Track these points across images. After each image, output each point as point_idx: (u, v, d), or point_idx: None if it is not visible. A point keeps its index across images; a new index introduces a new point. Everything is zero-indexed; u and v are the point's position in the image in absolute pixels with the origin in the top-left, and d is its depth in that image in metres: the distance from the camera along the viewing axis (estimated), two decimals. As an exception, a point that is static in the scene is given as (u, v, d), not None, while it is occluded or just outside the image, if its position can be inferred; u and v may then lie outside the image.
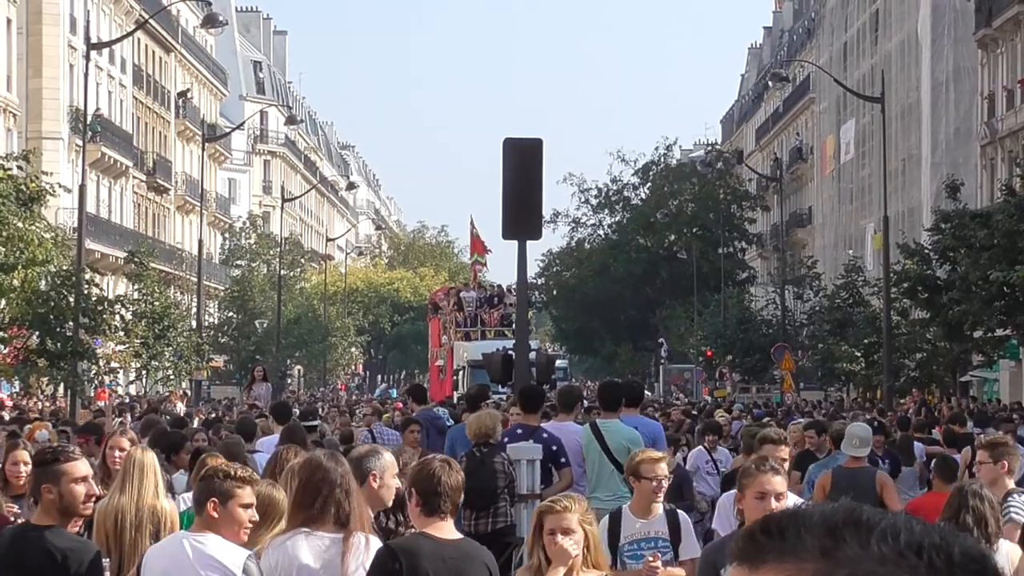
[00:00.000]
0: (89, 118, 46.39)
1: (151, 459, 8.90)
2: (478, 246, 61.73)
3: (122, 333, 45.53)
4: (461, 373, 49.80)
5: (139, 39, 75.18)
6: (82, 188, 38.97)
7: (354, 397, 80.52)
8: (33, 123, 63.44)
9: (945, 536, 1.74)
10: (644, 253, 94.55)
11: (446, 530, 7.33)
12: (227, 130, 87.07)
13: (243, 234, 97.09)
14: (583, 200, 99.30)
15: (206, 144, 72.40)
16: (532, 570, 7.44)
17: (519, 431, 14.63)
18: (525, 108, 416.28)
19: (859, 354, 56.35)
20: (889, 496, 13.54)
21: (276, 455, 9.95)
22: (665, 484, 9.60)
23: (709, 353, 75.66)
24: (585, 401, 26.17)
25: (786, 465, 10.56)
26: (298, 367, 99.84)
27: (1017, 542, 8.88)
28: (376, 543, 7.50)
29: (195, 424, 24.08)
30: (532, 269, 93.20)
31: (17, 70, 62.88)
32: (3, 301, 35.86)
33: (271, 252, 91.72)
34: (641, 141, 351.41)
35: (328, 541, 7.36)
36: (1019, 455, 10.89)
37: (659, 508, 9.68)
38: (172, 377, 57.97)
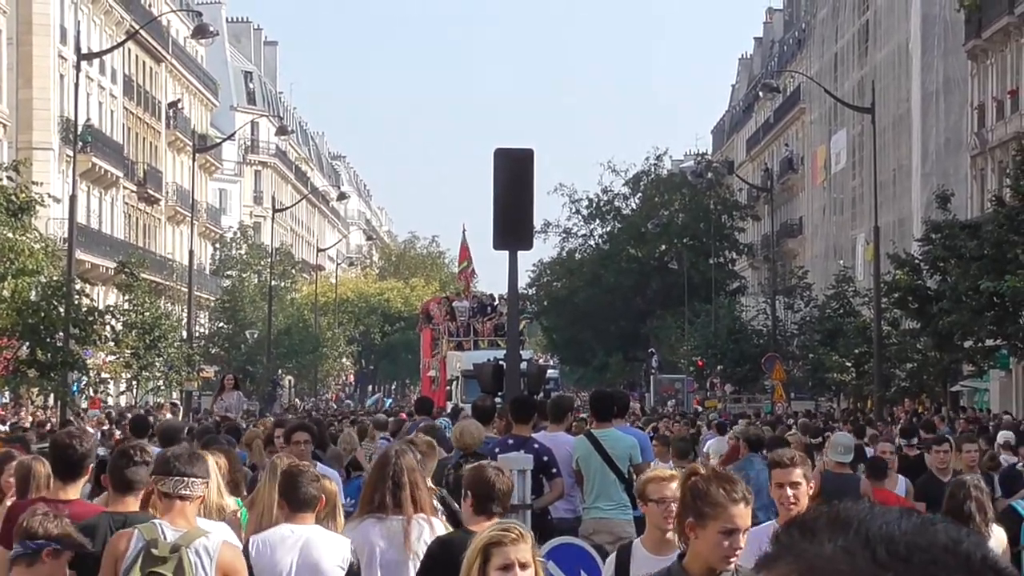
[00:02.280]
0: (79, 128, 46.42)
1: (213, 461, 9.51)
2: (464, 253, 61.89)
3: (112, 344, 45.46)
4: (455, 383, 49.69)
5: (129, 49, 75.18)
6: (72, 198, 38.94)
7: (346, 408, 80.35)
8: (23, 133, 63.41)
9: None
10: (635, 263, 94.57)
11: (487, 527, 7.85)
12: (218, 140, 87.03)
13: (234, 244, 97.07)
14: (574, 210, 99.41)
15: (197, 154, 72.37)
16: None
17: (510, 441, 14.63)
18: (516, 118, 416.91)
19: (850, 364, 56.40)
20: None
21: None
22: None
23: (700, 363, 75.68)
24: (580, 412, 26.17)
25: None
26: (289, 377, 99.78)
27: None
28: (439, 525, 8.93)
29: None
30: (523, 279, 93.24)
31: (7, 81, 62.87)
32: (-7, 312, 35.80)
33: (262, 262, 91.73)
34: (632, 151, 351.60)
35: (395, 523, 8.80)
36: None
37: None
38: (163, 387, 57.95)
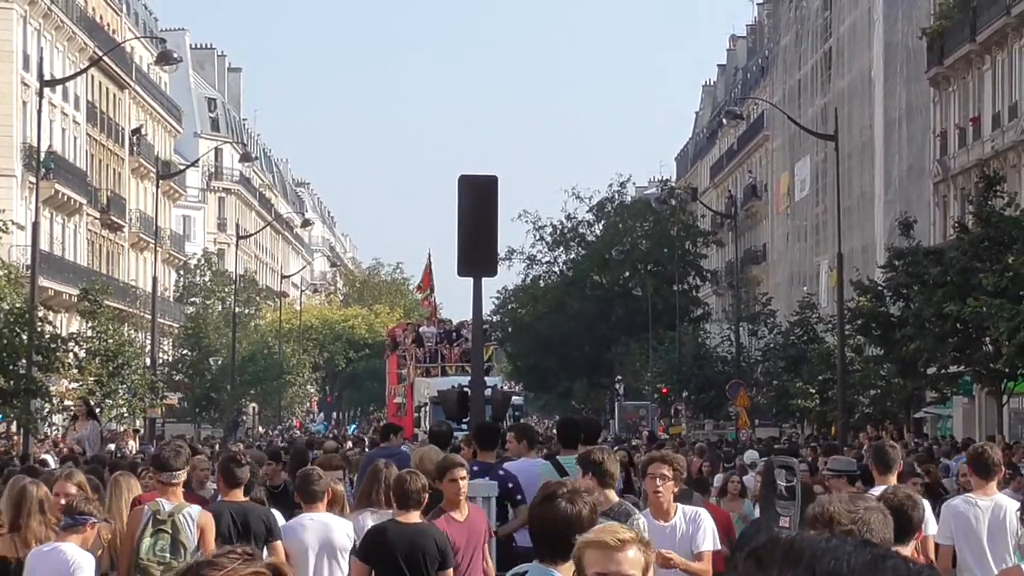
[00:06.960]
0: (42, 155, 46.24)
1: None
2: (428, 279, 61.67)
3: (76, 371, 45.20)
4: (423, 410, 49.54)
5: (93, 76, 74.97)
6: (35, 225, 38.81)
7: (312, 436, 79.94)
8: (-14, 160, 63.18)
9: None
10: (599, 290, 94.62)
11: (410, 517, 10.97)
12: (181, 167, 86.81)
13: (198, 271, 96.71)
14: (538, 237, 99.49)
15: (160, 181, 72.18)
16: None
17: (475, 468, 14.60)
18: (480, 145, 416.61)
19: (813, 391, 56.48)
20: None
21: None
22: None
23: (664, 390, 75.68)
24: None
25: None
26: (253, 405, 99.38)
27: None
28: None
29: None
30: (487, 306, 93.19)
31: (-30, 107, 62.65)
32: (-45, 339, 35.58)
33: (226, 289, 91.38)
34: (596, 178, 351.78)
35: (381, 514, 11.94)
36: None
37: None
38: (126, 415, 57.60)
